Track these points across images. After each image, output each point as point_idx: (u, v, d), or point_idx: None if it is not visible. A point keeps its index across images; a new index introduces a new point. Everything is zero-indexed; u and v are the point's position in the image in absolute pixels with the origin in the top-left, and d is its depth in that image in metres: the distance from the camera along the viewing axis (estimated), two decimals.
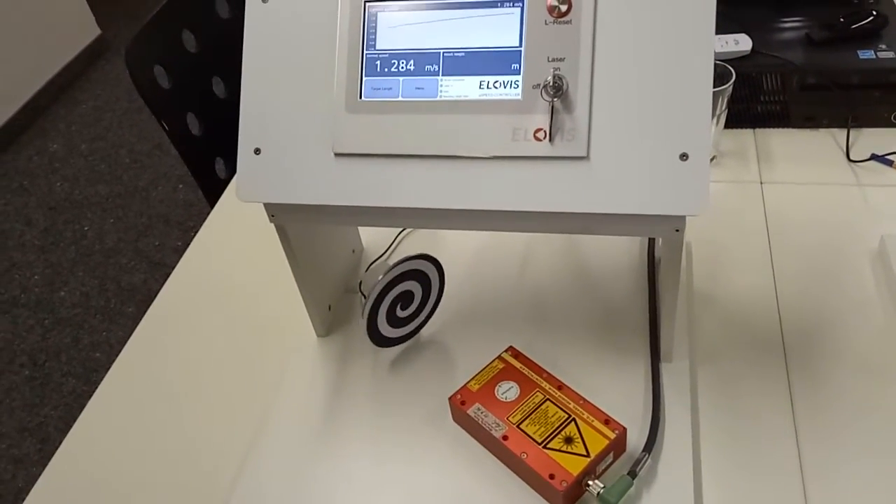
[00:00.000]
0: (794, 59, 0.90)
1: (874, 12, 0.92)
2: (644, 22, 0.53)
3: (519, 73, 0.55)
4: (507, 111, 0.55)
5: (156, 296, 0.86)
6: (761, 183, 0.88)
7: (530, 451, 0.59)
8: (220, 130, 1.31)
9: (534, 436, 0.60)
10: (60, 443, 0.72)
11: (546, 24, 0.54)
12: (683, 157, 0.53)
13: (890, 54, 0.88)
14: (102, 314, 1.98)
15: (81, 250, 2.20)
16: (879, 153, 0.88)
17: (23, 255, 2.20)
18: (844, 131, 0.92)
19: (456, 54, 0.56)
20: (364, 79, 0.58)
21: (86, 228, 2.27)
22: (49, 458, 0.71)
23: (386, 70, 0.58)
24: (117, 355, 0.80)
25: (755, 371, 0.68)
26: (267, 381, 0.75)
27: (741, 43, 0.91)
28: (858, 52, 0.90)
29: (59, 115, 2.81)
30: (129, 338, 0.81)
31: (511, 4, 0.55)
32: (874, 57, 0.88)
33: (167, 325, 0.83)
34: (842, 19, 0.92)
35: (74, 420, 0.73)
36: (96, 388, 0.75)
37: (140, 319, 0.83)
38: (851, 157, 0.89)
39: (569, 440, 0.60)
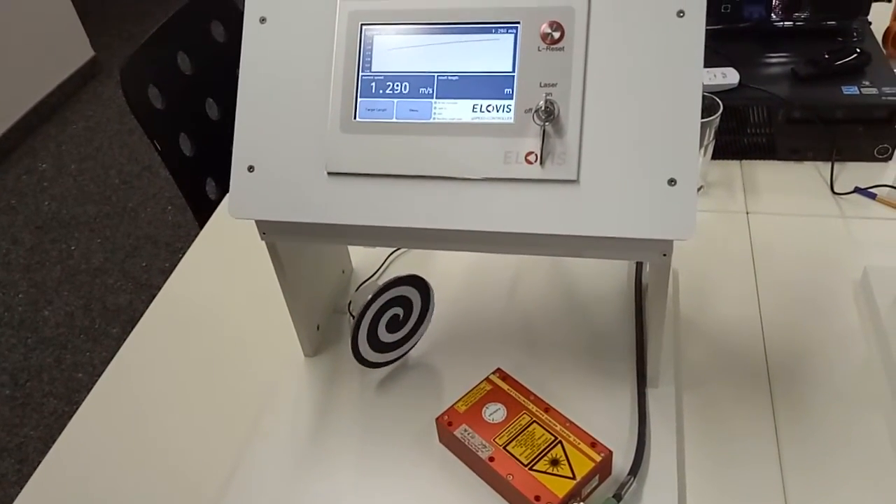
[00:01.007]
0: (780, 93, 0.92)
1: (858, 50, 0.95)
2: (635, 51, 0.54)
3: (511, 98, 0.56)
4: (499, 134, 0.56)
5: (140, 316, 0.86)
6: (747, 213, 0.89)
7: (516, 473, 0.59)
8: (211, 151, 1.31)
9: (520, 457, 0.60)
10: (39, 464, 0.71)
11: (539, 50, 0.56)
12: (671, 182, 0.54)
13: (873, 91, 0.91)
14: (87, 334, 1.96)
15: (67, 270, 2.18)
16: (862, 186, 0.89)
17: (7, 274, 2.19)
18: (829, 164, 0.94)
19: (450, 78, 0.57)
20: (359, 100, 0.59)
21: (72, 248, 2.26)
22: (27, 479, 0.70)
23: (381, 92, 0.59)
24: (100, 376, 0.79)
25: (740, 398, 0.69)
26: (254, 401, 0.74)
27: (729, 76, 0.93)
28: (843, 87, 0.92)
29: (49, 134, 2.81)
30: (112, 359, 0.81)
31: (505, 31, 0.56)
32: (858, 93, 0.91)
33: (152, 345, 0.83)
34: (826, 56, 0.95)
35: (54, 441, 0.73)
36: (78, 409, 0.74)
37: (124, 340, 0.83)
38: (835, 190, 0.90)
39: (555, 462, 0.60)
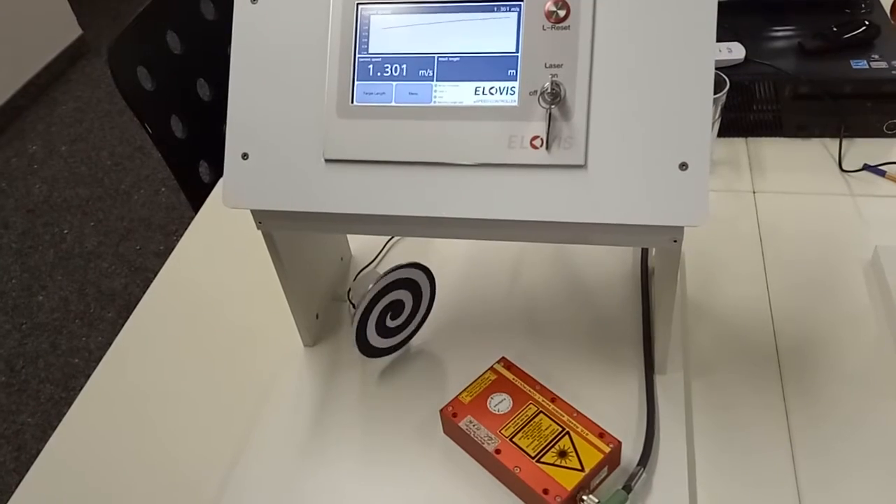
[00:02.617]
0: (787, 67, 0.90)
1: (867, 22, 0.92)
2: (644, 29, 0.52)
3: (515, 80, 0.54)
4: (503, 118, 0.54)
5: (136, 301, 0.84)
6: (754, 192, 0.87)
7: (523, 466, 0.58)
8: (204, 133, 1.29)
9: (527, 449, 0.59)
10: (37, 451, 0.70)
11: (544, 29, 0.53)
12: (683, 166, 0.52)
13: (882, 64, 0.88)
14: (81, 319, 1.94)
15: (60, 254, 2.16)
16: (872, 163, 0.87)
17: (0, 259, 2.16)
18: (836, 141, 0.91)
19: (451, 59, 0.55)
20: (356, 83, 0.56)
21: (65, 231, 2.23)
22: (25, 466, 0.69)
23: (379, 74, 0.56)
24: (96, 361, 0.78)
25: (749, 383, 0.67)
26: (252, 392, 0.73)
27: (734, 51, 0.91)
28: (851, 61, 0.89)
29: (38, 115, 2.76)
30: (108, 343, 0.79)
31: (508, 9, 0.54)
32: (867, 67, 0.88)
33: (150, 333, 0.81)
34: (834, 28, 0.92)
35: (52, 427, 0.71)
36: (75, 394, 0.73)
37: (120, 325, 0.81)
38: (844, 167, 0.88)
39: (563, 454, 0.58)
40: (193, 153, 1.26)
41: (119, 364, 0.78)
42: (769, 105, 0.92)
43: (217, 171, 1.30)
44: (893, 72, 0.87)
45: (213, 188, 1.04)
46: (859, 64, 0.89)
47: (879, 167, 0.87)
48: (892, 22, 1.00)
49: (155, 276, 0.87)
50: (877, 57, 0.89)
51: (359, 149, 0.56)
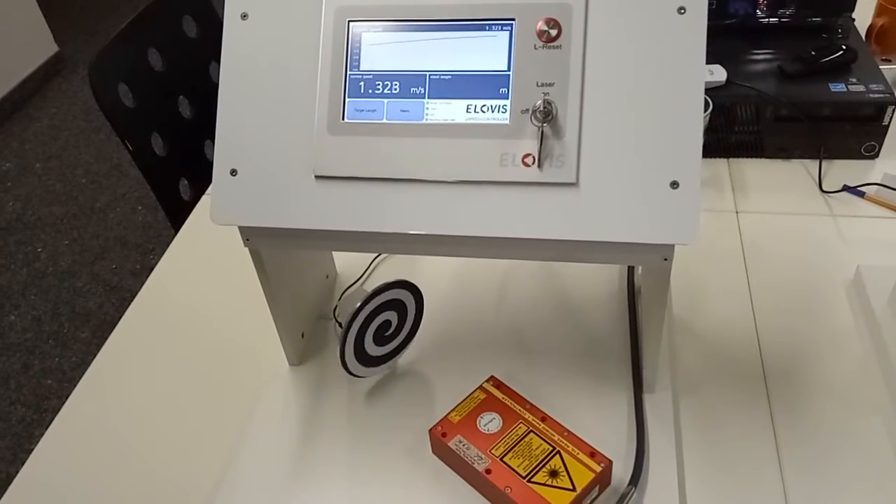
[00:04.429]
0: (768, 90, 0.91)
1: (843, 46, 0.94)
2: (635, 48, 0.52)
3: (507, 98, 0.54)
4: (494, 136, 0.54)
5: (111, 321, 0.83)
6: (737, 212, 0.88)
7: (514, 486, 0.57)
8: (184, 151, 1.27)
9: (518, 469, 0.58)
10: (7, 474, 0.67)
11: (535, 48, 0.54)
12: (674, 185, 0.52)
13: (860, 88, 0.90)
14: (55, 339, 1.91)
15: (34, 273, 2.12)
16: (851, 184, 0.89)
17: None
18: (816, 162, 0.93)
19: (443, 77, 0.55)
20: (347, 100, 0.56)
21: (39, 250, 2.19)
22: None
23: (370, 91, 0.56)
24: (70, 382, 0.76)
25: (737, 401, 0.67)
26: (237, 413, 0.71)
27: (716, 73, 0.92)
28: (830, 84, 0.91)
29: (12, 132, 2.72)
30: (82, 364, 0.78)
31: (500, 28, 0.54)
32: (845, 90, 0.90)
33: (130, 353, 0.79)
34: (813, 53, 0.94)
35: (23, 450, 0.69)
36: (47, 416, 0.71)
37: (94, 345, 0.79)
38: (824, 188, 0.90)
39: (554, 474, 0.58)
40: (174, 171, 1.25)
41: (97, 386, 0.76)
42: (750, 126, 0.93)
43: (197, 189, 1.29)
44: (870, 95, 0.89)
45: (193, 206, 1.03)
46: (837, 87, 0.91)
47: (858, 188, 0.88)
48: (869, 47, 1.02)
49: (131, 295, 0.86)
50: (854, 80, 0.91)
51: (349, 165, 0.56)
